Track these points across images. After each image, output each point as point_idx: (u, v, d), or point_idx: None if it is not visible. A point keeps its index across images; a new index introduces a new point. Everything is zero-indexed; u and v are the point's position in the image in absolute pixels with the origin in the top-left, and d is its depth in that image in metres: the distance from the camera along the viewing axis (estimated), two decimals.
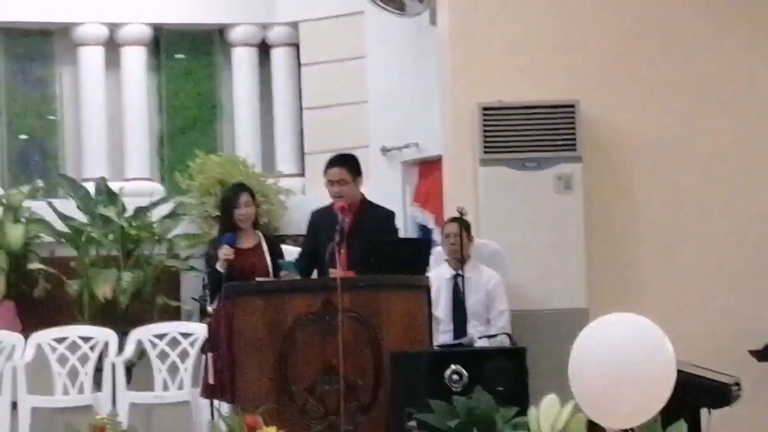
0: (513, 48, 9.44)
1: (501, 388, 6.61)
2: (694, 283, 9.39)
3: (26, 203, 10.83)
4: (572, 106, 9.01)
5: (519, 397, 6.47)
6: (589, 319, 6.16)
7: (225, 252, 7.41)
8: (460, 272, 8.49)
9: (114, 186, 11.13)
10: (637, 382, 4.11)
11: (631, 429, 4.51)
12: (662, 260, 9.60)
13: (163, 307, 10.68)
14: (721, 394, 6.84)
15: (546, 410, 5.24)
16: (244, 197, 7.80)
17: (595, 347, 4.35)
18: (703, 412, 6.71)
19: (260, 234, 8.02)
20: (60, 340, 9.70)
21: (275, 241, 8.37)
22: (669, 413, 4.52)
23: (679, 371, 4.48)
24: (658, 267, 9.49)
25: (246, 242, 7.71)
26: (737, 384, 6.99)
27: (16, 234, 10.32)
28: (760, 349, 8.85)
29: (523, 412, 5.58)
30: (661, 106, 9.49)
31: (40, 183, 11.17)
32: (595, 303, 8.65)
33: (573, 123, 8.90)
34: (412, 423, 6.42)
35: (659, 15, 9.74)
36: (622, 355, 4.18)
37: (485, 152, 8.93)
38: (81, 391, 9.58)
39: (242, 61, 12.35)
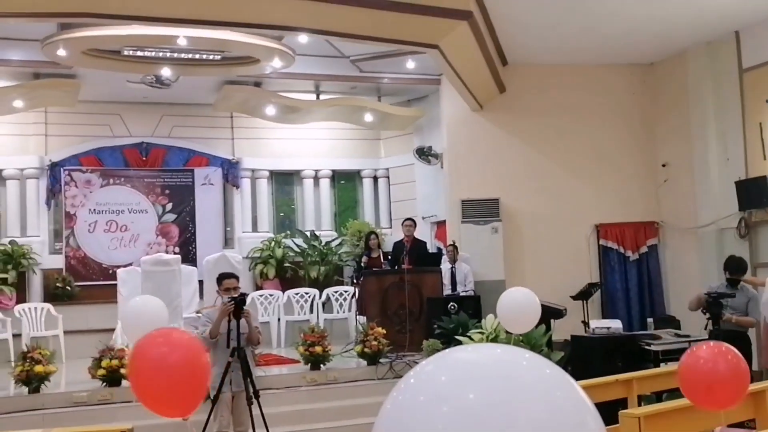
0: (474, 176, 12.54)
1: (470, 311, 9.95)
2: (549, 265, 12.24)
3: (283, 240, 14.37)
4: (497, 199, 12.31)
5: (477, 316, 9.65)
6: (505, 286, 9.85)
7: (365, 260, 11.12)
8: (453, 266, 11.50)
9: (317, 233, 14.72)
10: (529, 315, 7.41)
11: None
12: (534, 259, 12.44)
13: (336, 281, 14.12)
14: (559, 313, 9.85)
15: (488, 321, 8.88)
16: (373, 237, 11.49)
17: (507, 301, 7.37)
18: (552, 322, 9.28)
19: (381, 250, 11.46)
20: (297, 293, 12.91)
21: (385, 253, 11.60)
22: (539, 322, 7.84)
23: (543, 305, 7.52)
24: (534, 262, 12.39)
25: (374, 253, 11.17)
26: (565, 309, 10.12)
27: (279, 252, 14.04)
28: (575, 294, 11.67)
29: (479, 322, 9.02)
30: (534, 196, 12.52)
31: (288, 232, 14.72)
32: (508, 278, 11.75)
33: (497, 206, 12.31)
34: (436, 326, 9.55)
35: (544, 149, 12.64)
36: (520, 303, 7.34)
37: (463, 219, 12.33)
38: (305, 313, 12.63)
39: (367, 185, 15.52)
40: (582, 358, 8.42)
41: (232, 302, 6.40)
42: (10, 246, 13.06)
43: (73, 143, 13.92)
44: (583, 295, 11.78)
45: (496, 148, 12.53)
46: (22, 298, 12.82)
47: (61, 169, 13.75)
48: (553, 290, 10.70)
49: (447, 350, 1.57)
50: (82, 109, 13.47)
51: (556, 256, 12.34)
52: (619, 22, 10.65)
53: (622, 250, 12.73)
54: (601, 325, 8.92)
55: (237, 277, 6.89)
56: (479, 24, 9.76)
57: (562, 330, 9.64)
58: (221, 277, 6.85)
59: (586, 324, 10.66)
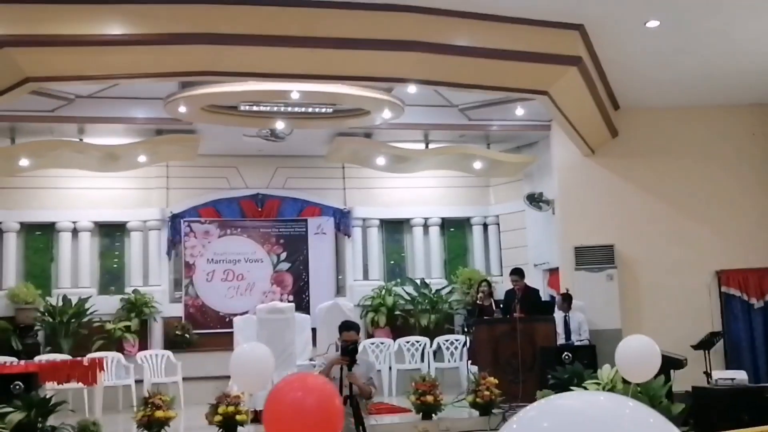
0: (587, 222, 12.39)
1: (585, 361, 9.56)
2: (667, 313, 11.81)
3: (394, 288, 14.59)
4: (612, 245, 12.08)
5: (592, 366, 9.35)
6: (622, 335, 9.60)
7: (479, 301, 11.17)
8: (567, 314, 11.36)
9: (427, 281, 14.79)
10: (650, 363, 7.00)
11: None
12: (652, 307, 12.04)
13: (447, 329, 14.14)
14: (679, 363, 9.58)
15: (604, 371, 8.65)
16: (485, 284, 11.62)
17: (626, 348, 7.11)
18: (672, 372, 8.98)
19: (492, 299, 11.48)
20: (407, 341, 13.09)
21: (497, 301, 11.56)
22: (658, 373, 7.30)
23: (662, 354, 7.15)
24: (652, 310, 11.99)
25: (485, 302, 11.28)
26: (685, 359, 9.84)
27: (389, 300, 14.15)
28: (695, 344, 11.26)
29: (594, 372, 8.81)
30: (651, 242, 12.24)
31: (398, 280, 14.92)
32: (625, 326, 11.41)
33: (612, 253, 12.07)
34: (549, 376, 9.34)
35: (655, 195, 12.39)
36: (640, 351, 7.04)
37: (576, 266, 12.10)
38: (416, 362, 12.82)
39: (477, 232, 15.60)
40: (705, 411, 8.17)
41: (346, 355, 6.50)
42: (133, 295, 13.58)
43: (192, 195, 14.47)
44: (705, 344, 11.38)
45: (610, 193, 12.38)
46: (144, 345, 13.28)
47: (181, 221, 14.28)
48: (672, 339, 10.31)
49: (551, 397, 1.56)
50: (201, 162, 13.98)
51: (675, 304, 11.96)
52: (736, 62, 10.39)
53: (745, 297, 12.12)
54: (725, 376, 8.66)
55: (357, 330, 6.91)
56: (589, 69, 9.71)
57: (683, 381, 9.38)
58: (342, 327, 6.86)
59: (708, 375, 10.33)
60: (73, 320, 12.92)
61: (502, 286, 13.56)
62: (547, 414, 1.50)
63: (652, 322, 11.50)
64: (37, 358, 10.54)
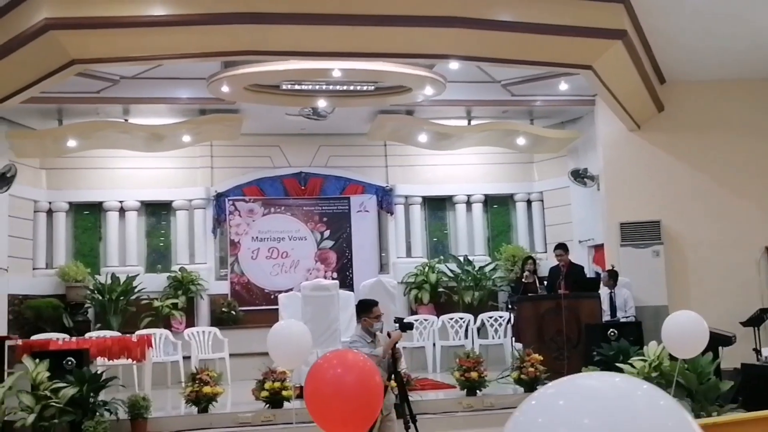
0: (633, 197, 12.33)
1: (631, 338, 9.45)
2: (715, 290, 11.80)
3: (437, 265, 14.54)
4: (658, 221, 12.09)
5: (638, 342, 9.24)
6: (668, 312, 9.13)
7: (524, 278, 11.07)
8: (613, 291, 11.34)
9: (470, 258, 14.73)
10: (697, 339, 7.01)
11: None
12: (699, 283, 12.03)
13: (491, 306, 14.21)
14: (728, 340, 9.55)
15: (650, 347, 8.55)
16: (530, 261, 11.40)
17: (673, 324, 7.02)
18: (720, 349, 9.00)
19: (536, 276, 11.20)
20: (451, 318, 13.19)
21: (541, 278, 11.35)
22: (705, 350, 7.41)
23: (710, 331, 7.15)
24: (699, 286, 11.98)
25: (528, 279, 11.04)
26: (734, 336, 9.80)
27: (433, 277, 14.23)
28: (744, 321, 11.13)
29: (640, 349, 8.74)
30: (698, 217, 12.23)
31: (441, 257, 14.82)
32: (671, 303, 11.39)
33: (658, 228, 12.06)
34: (595, 354, 9.20)
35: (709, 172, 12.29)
36: (687, 327, 6.95)
37: (622, 242, 12.12)
38: (460, 339, 12.85)
39: (520, 209, 15.38)
40: (754, 388, 7.99)
41: (405, 329, 6.65)
42: (180, 273, 13.78)
43: (236, 174, 14.58)
44: (754, 321, 11.18)
45: (656, 168, 12.29)
46: (190, 323, 13.49)
47: (226, 199, 14.42)
48: (720, 316, 10.25)
49: (571, 376, 1.64)
50: (245, 141, 14.06)
51: (722, 281, 11.87)
52: None
53: None
54: None
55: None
56: (634, 42, 9.60)
57: (732, 358, 9.28)
58: (371, 304, 6.84)
59: (758, 352, 10.23)
60: (121, 298, 13.12)
61: (546, 263, 13.59)
62: (565, 392, 1.59)
63: (700, 299, 11.38)
64: (87, 335, 10.70)
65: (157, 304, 13.32)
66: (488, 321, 13.25)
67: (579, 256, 13.35)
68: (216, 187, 14.55)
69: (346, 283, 13.89)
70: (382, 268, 14.87)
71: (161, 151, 13.56)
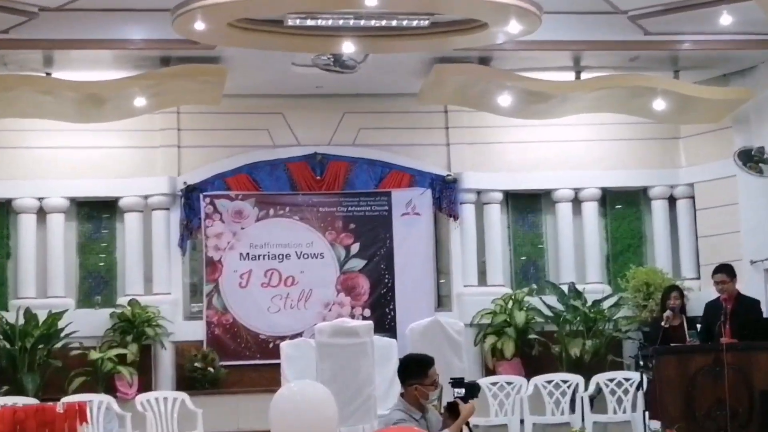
0: None
1: None
2: None
3: (526, 298, 14.64)
4: None
5: None
6: None
7: (665, 320, 11.02)
8: None
9: (579, 287, 14.75)
10: None
11: None
12: None
13: (612, 362, 14.11)
14: None
15: None
16: (675, 294, 11.59)
17: None
18: None
19: (684, 315, 11.43)
20: (549, 381, 13.42)
21: (691, 319, 11.45)
22: None
23: None
24: None
25: (675, 321, 11.21)
26: None
27: (520, 317, 14.17)
28: None
29: None
30: None
31: (533, 286, 15.09)
32: None
33: None
34: None
35: None
36: None
37: None
38: (562, 413, 13.28)
39: (658, 210, 15.58)
40: None
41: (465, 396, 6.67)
42: (130, 309, 13.80)
43: (216, 157, 14.71)
44: None
45: None
46: (145, 385, 13.54)
47: (201, 195, 14.49)
48: None
49: None
50: (229, 107, 14.14)
51: None
52: None
53: None
54: None
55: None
56: None
57: None
58: (424, 364, 6.90)
59: None
60: (40, 346, 13.17)
61: (700, 295, 13.60)
62: None
63: None
64: None
65: (94, 355, 13.34)
66: (607, 386, 13.33)
67: (751, 284, 13.40)
68: (185, 177, 14.65)
69: (385, 324, 14.11)
70: (441, 301, 15.03)
71: (102, 121, 13.62)
